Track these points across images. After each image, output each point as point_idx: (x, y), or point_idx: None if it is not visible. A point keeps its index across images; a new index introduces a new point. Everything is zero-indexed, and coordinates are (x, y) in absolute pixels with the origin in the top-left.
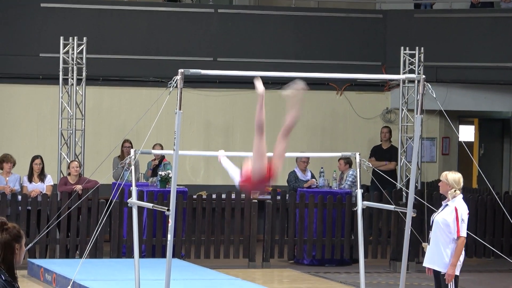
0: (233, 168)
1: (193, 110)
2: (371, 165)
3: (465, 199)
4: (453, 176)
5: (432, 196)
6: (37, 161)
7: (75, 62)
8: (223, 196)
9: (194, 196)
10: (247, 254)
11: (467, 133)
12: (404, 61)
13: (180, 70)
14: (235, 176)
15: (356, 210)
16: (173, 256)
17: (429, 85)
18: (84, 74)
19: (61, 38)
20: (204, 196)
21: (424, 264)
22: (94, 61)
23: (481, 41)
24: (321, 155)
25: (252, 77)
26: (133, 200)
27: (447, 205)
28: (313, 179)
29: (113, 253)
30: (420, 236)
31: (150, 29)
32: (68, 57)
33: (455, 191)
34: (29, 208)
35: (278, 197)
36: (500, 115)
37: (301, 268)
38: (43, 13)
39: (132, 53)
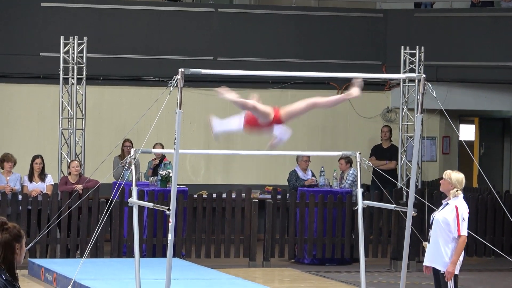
0: (233, 118)
1: (194, 109)
2: (371, 164)
3: (465, 198)
4: (457, 176)
5: (432, 195)
6: (38, 160)
7: (75, 61)
8: (224, 195)
9: (195, 196)
10: (248, 253)
11: (467, 132)
12: (405, 60)
13: (181, 70)
14: (236, 123)
15: (357, 209)
16: (174, 255)
17: (429, 84)
18: (84, 73)
19: (62, 37)
20: (205, 196)
21: (424, 263)
22: (95, 60)
23: (482, 40)
24: (321, 154)
25: (252, 77)
26: (134, 199)
27: (447, 203)
28: (313, 178)
29: (114, 252)
30: (421, 235)
31: (150, 28)
32: (68, 57)
33: (457, 191)
34: (30, 207)
35: (279, 197)
36: (500, 114)
37: (301, 267)
38: (44, 13)
39: (132, 52)
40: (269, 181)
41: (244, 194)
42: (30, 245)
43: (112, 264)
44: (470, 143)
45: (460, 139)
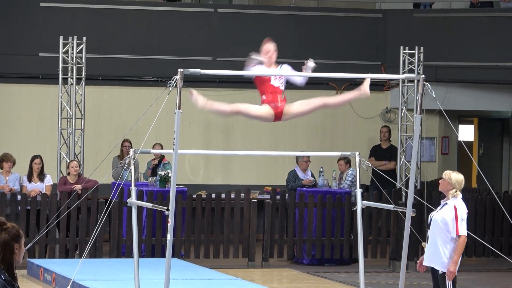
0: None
1: (193, 109)
2: (370, 165)
3: (464, 198)
4: (457, 177)
5: (431, 196)
6: (37, 160)
7: (74, 61)
8: (223, 195)
9: (194, 196)
10: (247, 253)
11: (466, 132)
12: (404, 61)
13: (180, 70)
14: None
15: (356, 209)
16: (173, 255)
17: (428, 84)
18: (83, 73)
19: (61, 37)
20: (204, 196)
21: (424, 263)
22: (94, 60)
23: (481, 40)
24: (320, 154)
25: (251, 77)
26: (133, 199)
27: (446, 203)
28: (312, 178)
29: (113, 252)
30: (420, 236)
31: (149, 28)
32: (67, 57)
33: (456, 191)
34: (29, 207)
35: (278, 197)
36: (499, 114)
37: (300, 267)
38: (43, 13)
39: (131, 52)
40: (268, 182)
41: (243, 195)
42: (29, 245)
43: (111, 264)
44: (469, 144)
45: (459, 139)
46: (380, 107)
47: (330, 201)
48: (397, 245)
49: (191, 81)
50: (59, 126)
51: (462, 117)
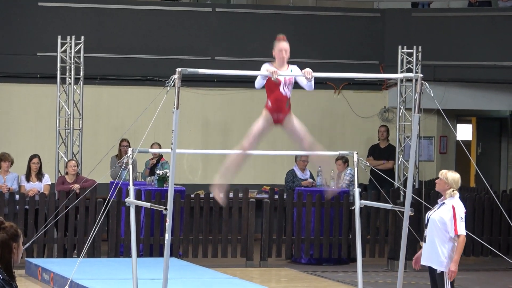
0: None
1: (191, 109)
2: (369, 164)
3: (462, 198)
4: (453, 176)
5: (429, 195)
6: (35, 160)
7: (72, 61)
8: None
9: (192, 195)
10: (245, 253)
11: (464, 132)
12: (402, 60)
13: (178, 69)
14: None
15: (354, 209)
16: (171, 255)
17: (426, 84)
18: (81, 73)
19: (59, 37)
20: (202, 195)
21: (421, 263)
22: (92, 60)
23: (479, 40)
24: (318, 154)
25: (249, 77)
26: (131, 199)
27: (443, 203)
28: (311, 180)
29: (111, 252)
30: (418, 235)
31: (148, 28)
32: (65, 56)
33: (453, 191)
34: (27, 207)
35: (276, 196)
36: (498, 114)
37: (298, 267)
38: (41, 12)
39: (129, 52)
40: (267, 181)
41: (242, 194)
42: (27, 244)
43: (109, 264)
44: (467, 143)
45: (458, 138)
46: (378, 107)
47: (328, 200)
48: (395, 244)
49: (189, 81)
50: (57, 125)
51: (460, 116)
